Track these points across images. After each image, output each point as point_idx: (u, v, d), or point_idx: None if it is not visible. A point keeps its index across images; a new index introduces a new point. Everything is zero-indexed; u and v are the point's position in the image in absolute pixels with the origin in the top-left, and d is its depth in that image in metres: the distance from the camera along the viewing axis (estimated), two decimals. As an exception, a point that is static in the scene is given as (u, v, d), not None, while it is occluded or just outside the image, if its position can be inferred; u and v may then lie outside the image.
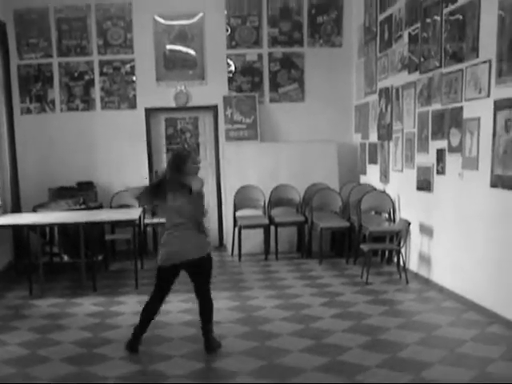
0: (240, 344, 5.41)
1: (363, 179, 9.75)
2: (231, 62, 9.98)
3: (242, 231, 9.07)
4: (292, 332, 5.66)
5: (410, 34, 7.62)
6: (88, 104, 9.89)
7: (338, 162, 9.72)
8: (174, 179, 5.17)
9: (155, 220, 9.30)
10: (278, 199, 9.41)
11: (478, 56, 5.95)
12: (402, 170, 8.02)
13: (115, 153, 9.86)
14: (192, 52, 9.94)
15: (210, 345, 5.24)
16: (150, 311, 5.30)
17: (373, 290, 7.10)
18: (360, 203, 8.34)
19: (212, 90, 9.93)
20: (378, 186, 8.90)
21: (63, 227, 8.22)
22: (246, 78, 10.02)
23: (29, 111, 9.80)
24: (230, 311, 6.42)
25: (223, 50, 9.96)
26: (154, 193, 5.31)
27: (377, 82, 8.94)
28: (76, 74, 9.82)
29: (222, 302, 6.64)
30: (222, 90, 9.96)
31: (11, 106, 9.29)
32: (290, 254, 9.40)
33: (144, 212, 9.05)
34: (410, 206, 7.85)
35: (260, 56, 10.02)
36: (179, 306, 6.60)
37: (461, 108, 6.32)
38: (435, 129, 6.95)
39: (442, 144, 6.75)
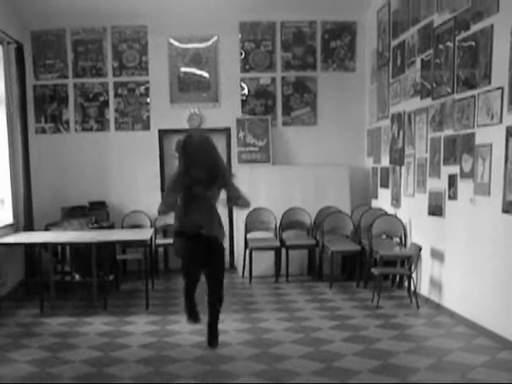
0: (249, 366, 5.39)
1: (375, 203, 9.76)
2: (245, 86, 10.07)
3: (253, 253, 9.07)
4: (302, 355, 5.64)
5: (422, 60, 7.67)
6: (102, 125, 9.98)
7: (350, 186, 9.73)
8: None
9: (166, 241, 9.34)
10: (289, 222, 9.42)
11: (490, 83, 5.97)
12: (413, 195, 8.03)
13: (128, 173, 9.95)
14: (206, 75, 10.05)
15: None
16: None
17: (383, 314, 7.08)
18: (371, 227, 8.35)
19: (225, 112, 10.02)
20: (390, 210, 8.90)
21: (75, 246, 8.25)
22: (260, 101, 10.10)
23: (43, 131, 9.92)
24: (240, 333, 6.40)
25: (237, 74, 10.05)
26: None
27: (389, 107, 8.99)
28: (91, 95, 9.95)
29: (231, 324, 6.66)
30: (235, 112, 10.04)
31: (26, 125, 9.33)
32: (300, 276, 9.39)
33: (156, 232, 9.08)
34: (421, 230, 7.84)
35: (273, 80, 10.10)
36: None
37: (473, 134, 6.33)
38: (447, 154, 6.96)
39: (454, 169, 6.76)
